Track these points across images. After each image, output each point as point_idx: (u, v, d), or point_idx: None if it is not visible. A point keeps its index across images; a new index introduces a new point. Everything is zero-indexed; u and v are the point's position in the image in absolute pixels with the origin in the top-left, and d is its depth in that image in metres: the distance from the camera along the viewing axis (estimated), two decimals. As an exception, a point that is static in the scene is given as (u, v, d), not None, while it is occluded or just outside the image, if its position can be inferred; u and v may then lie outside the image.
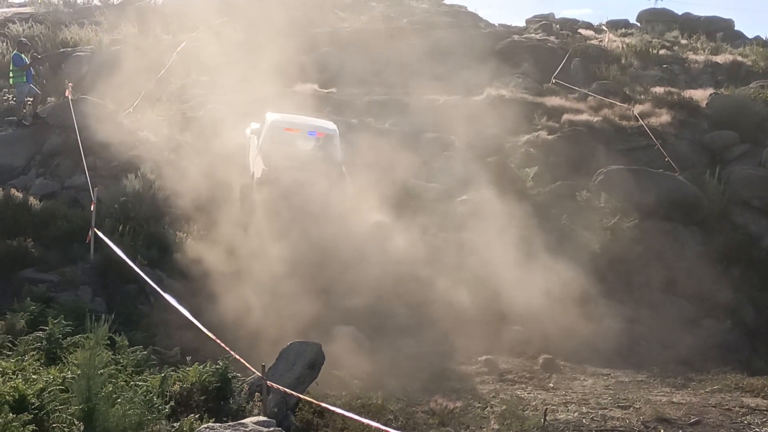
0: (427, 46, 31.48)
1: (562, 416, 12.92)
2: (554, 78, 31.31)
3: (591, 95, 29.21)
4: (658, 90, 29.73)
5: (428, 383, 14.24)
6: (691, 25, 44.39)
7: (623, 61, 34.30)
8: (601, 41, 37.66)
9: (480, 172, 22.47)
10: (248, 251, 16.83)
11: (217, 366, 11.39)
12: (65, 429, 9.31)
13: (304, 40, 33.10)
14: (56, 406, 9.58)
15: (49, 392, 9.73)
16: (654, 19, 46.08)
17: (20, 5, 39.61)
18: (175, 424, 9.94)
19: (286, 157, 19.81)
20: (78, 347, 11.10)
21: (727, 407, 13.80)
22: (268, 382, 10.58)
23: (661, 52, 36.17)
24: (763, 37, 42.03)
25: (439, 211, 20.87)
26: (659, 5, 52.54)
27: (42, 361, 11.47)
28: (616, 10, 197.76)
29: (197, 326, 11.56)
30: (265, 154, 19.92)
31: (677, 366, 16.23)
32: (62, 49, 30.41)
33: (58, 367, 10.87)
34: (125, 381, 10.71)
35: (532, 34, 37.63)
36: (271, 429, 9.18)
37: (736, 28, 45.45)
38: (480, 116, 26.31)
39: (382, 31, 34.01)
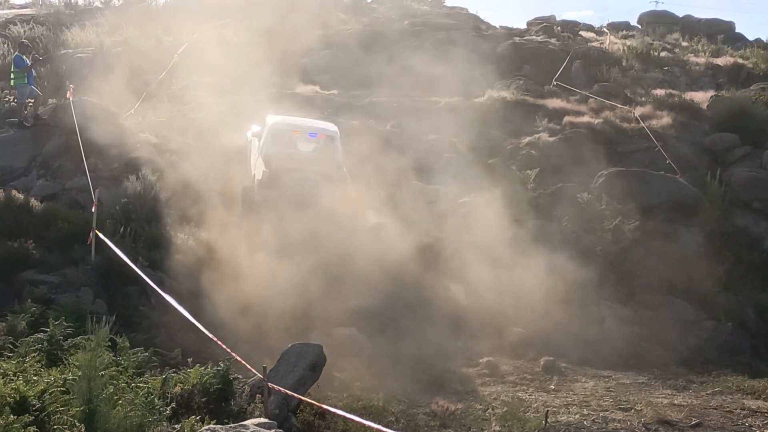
0: (429, 48, 31.45)
1: (563, 418, 12.93)
2: (555, 80, 31.31)
3: (592, 97, 29.22)
4: (659, 92, 29.74)
5: (429, 385, 14.25)
6: (692, 27, 44.40)
7: (624, 64, 34.29)
8: (602, 43, 37.64)
9: (481, 173, 22.48)
10: (249, 253, 16.82)
11: (219, 368, 11.39)
12: (66, 431, 9.30)
13: (305, 42, 33.11)
14: (57, 407, 9.57)
15: (50, 394, 9.73)
16: (655, 21, 46.12)
17: (21, 7, 39.63)
18: (176, 426, 9.94)
19: (287, 158, 19.85)
20: (79, 349, 11.10)
21: (728, 409, 13.82)
22: (269, 383, 10.57)
23: (662, 54, 36.17)
24: (764, 40, 42.04)
25: (440, 212, 20.86)
26: (660, 7, 52.60)
27: (43, 362, 11.46)
28: (617, 13, 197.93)
29: (198, 328, 11.55)
30: (266, 155, 19.95)
31: (678, 368, 16.24)
32: (63, 51, 30.38)
33: (59, 368, 10.86)
34: (126, 383, 10.71)
35: (534, 36, 37.62)
36: (273, 431, 9.18)
37: (737, 30, 45.47)
38: (481, 118, 26.33)
39: (383, 33, 34.01)
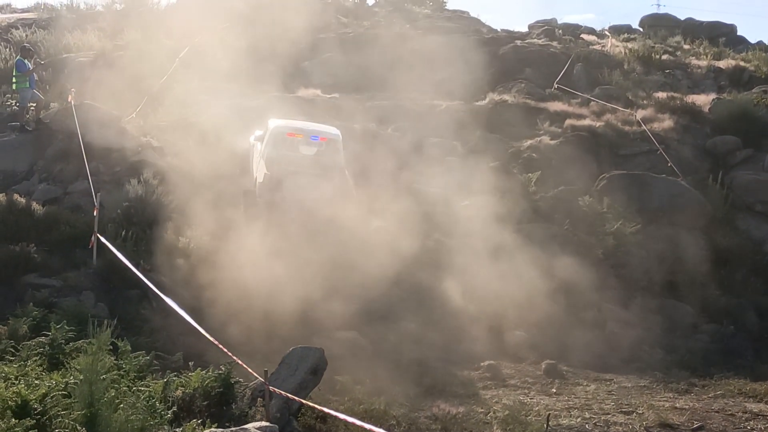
0: (430, 52, 31.45)
1: (564, 422, 12.93)
2: (557, 83, 31.32)
3: (593, 100, 29.22)
4: (661, 95, 29.73)
5: (431, 388, 14.25)
6: (693, 30, 44.38)
7: (626, 66, 34.28)
8: (603, 46, 37.65)
9: (482, 177, 22.46)
10: (251, 256, 16.82)
11: (220, 371, 11.41)
12: (67, 434, 9.32)
13: (306, 46, 33.14)
14: (59, 411, 9.59)
15: (52, 397, 9.74)
16: (656, 24, 46.10)
17: (23, 11, 39.67)
18: (177, 430, 9.96)
19: (289, 161, 19.89)
20: (80, 352, 11.13)
21: (730, 412, 13.82)
22: (271, 387, 10.59)
23: (664, 57, 36.16)
24: (766, 42, 42.12)
25: (441, 215, 20.86)
26: (662, 10, 52.57)
27: (44, 366, 11.49)
28: (619, 15, 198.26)
29: (200, 331, 11.56)
30: (267, 159, 20.00)
31: (680, 371, 16.23)
32: (65, 55, 30.40)
33: (60, 372, 10.89)
34: (128, 386, 10.73)
35: (535, 40, 37.62)
36: (274, 434, 9.19)
37: (738, 33, 45.47)
38: (483, 121, 26.35)
39: (384, 36, 34.02)
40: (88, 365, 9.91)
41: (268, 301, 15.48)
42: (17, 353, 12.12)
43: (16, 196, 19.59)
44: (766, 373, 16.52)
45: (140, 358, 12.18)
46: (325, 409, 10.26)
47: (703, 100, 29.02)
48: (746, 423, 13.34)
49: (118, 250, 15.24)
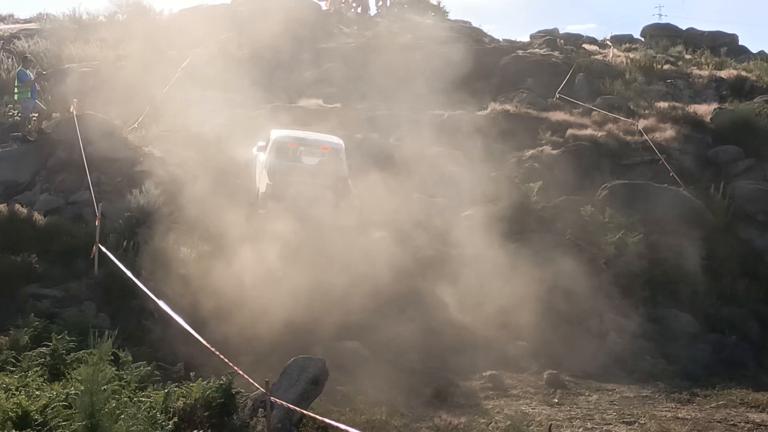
0: (432, 62, 31.48)
1: (566, 432, 12.92)
2: (558, 93, 31.29)
3: (595, 110, 29.19)
4: (663, 105, 29.69)
5: (433, 398, 14.26)
6: (695, 40, 44.34)
7: (627, 76, 34.24)
8: (605, 56, 37.62)
9: (484, 186, 22.47)
10: (253, 267, 16.81)
11: (221, 382, 11.41)
12: (68, 445, 9.31)
13: (308, 56, 33.19)
14: (59, 422, 9.60)
15: (53, 408, 9.75)
16: (658, 34, 46.02)
17: (26, 21, 39.69)
18: (178, 440, 9.95)
19: (291, 171, 19.90)
20: (82, 363, 11.13)
21: (732, 423, 13.79)
22: (272, 397, 10.58)
23: (665, 67, 36.12)
24: (767, 52, 42.02)
25: (443, 225, 20.85)
26: (663, 20, 52.53)
27: (45, 376, 11.50)
28: (620, 25, 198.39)
29: (201, 342, 11.56)
30: (270, 169, 20.01)
31: (682, 381, 16.19)
32: (67, 65, 30.42)
33: (61, 382, 10.89)
34: (129, 397, 10.73)
35: (537, 50, 37.59)
36: (275, 445, 9.18)
37: (740, 43, 45.36)
38: (484, 131, 26.33)
39: (386, 46, 34.03)
40: (89, 376, 9.90)
41: (269, 312, 15.48)
42: (18, 364, 12.13)
43: (17, 206, 19.61)
44: (768, 383, 16.49)
45: (141, 368, 12.19)
46: (327, 420, 10.25)
47: (704, 109, 28.98)
48: (748, 433, 13.34)
49: (120, 260, 15.25)
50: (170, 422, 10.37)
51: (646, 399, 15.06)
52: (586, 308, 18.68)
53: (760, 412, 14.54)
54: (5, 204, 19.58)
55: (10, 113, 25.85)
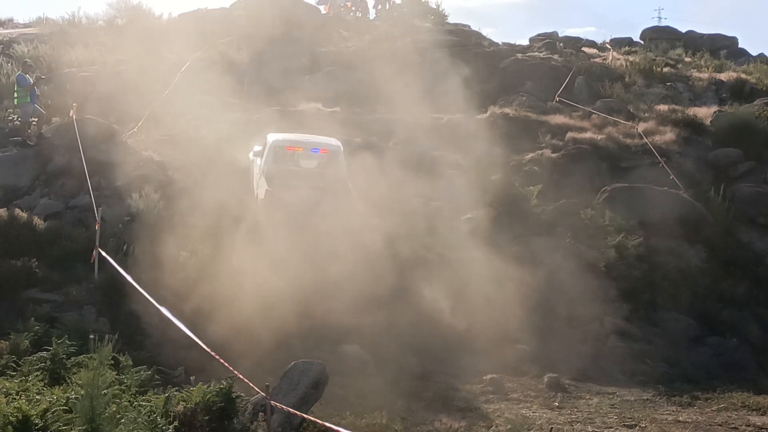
0: (431, 65, 31.53)
1: (567, 435, 12.91)
2: (558, 96, 31.32)
3: (595, 113, 29.21)
4: (662, 108, 29.72)
5: (433, 402, 14.23)
6: (694, 42, 44.42)
7: (627, 79, 34.30)
8: (604, 59, 37.68)
9: (484, 190, 22.46)
10: (253, 270, 16.81)
11: (221, 386, 11.40)
12: (69, 450, 9.30)
13: (308, 60, 33.21)
14: (60, 426, 9.59)
15: (53, 413, 9.74)
16: (657, 36, 46.10)
17: (25, 26, 39.74)
18: (178, 445, 9.94)
19: (290, 176, 19.79)
20: (82, 367, 11.12)
21: (733, 426, 13.78)
22: (272, 401, 10.56)
23: (665, 69, 36.17)
24: (767, 55, 42.06)
25: (443, 229, 20.83)
26: (663, 23, 52.59)
27: (46, 381, 11.49)
28: (620, 28, 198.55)
29: (201, 346, 11.55)
30: (268, 174, 19.87)
31: (683, 384, 16.17)
32: (67, 70, 30.45)
33: (62, 387, 10.89)
34: (129, 401, 10.72)
35: (536, 53, 37.64)
36: (275, 449, 9.17)
37: (739, 45, 45.47)
38: (484, 134, 26.33)
39: (385, 50, 34.06)
40: (90, 380, 9.90)
41: (269, 315, 15.46)
42: (18, 368, 12.13)
43: (17, 210, 19.62)
44: (769, 386, 16.48)
45: (141, 372, 12.19)
46: (327, 424, 10.23)
47: (704, 112, 29.01)
48: (749, 436, 13.33)
49: (120, 264, 15.25)
50: (171, 426, 10.36)
51: (647, 402, 15.05)
52: (587, 312, 18.68)
53: (761, 415, 14.53)
54: (5, 208, 19.59)
55: (10, 118, 25.87)
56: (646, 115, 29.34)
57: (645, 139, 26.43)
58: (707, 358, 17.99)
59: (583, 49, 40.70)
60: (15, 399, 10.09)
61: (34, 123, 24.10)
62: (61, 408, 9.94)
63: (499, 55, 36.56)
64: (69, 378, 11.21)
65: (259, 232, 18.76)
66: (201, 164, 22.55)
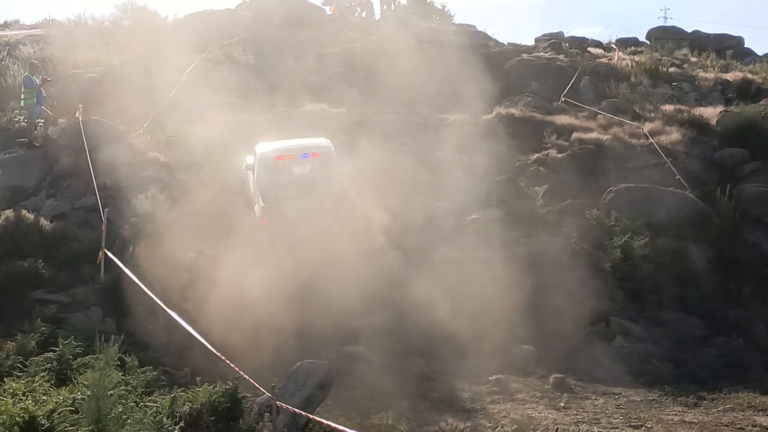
0: (436, 66, 31.50)
1: (573, 436, 12.90)
2: (564, 96, 31.25)
3: (601, 113, 29.15)
4: (668, 108, 29.66)
5: (438, 403, 14.23)
6: (700, 42, 44.30)
7: (633, 79, 34.21)
8: (610, 59, 37.59)
9: (490, 190, 22.45)
10: (258, 272, 16.83)
11: (227, 386, 11.41)
12: (75, 450, 9.32)
13: (313, 60, 33.19)
14: (66, 427, 9.60)
15: (59, 413, 9.75)
16: (663, 36, 45.98)
17: (31, 27, 39.78)
18: (184, 445, 9.95)
19: (284, 186, 19.64)
20: (88, 368, 11.14)
21: (739, 426, 13.74)
22: (278, 402, 10.57)
23: (671, 69, 36.09)
24: (773, 54, 41.97)
25: (448, 230, 20.83)
26: (668, 23, 52.49)
27: (52, 382, 11.51)
28: (626, 28, 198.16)
29: (207, 346, 11.56)
30: (262, 189, 19.72)
31: (689, 385, 16.12)
32: (73, 71, 30.49)
33: (68, 388, 10.90)
34: (135, 402, 10.74)
35: (542, 53, 37.57)
36: (281, 450, 9.18)
37: (746, 45, 45.32)
38: (489, 135, 26.31)
39: (391, 50, 34.03)
40: (96, 381, 9.92)
41: (274, 316, 15.50)
42: (25, 369, 12.14)
43: (24, 211, 19.68)
44: (775, 386, 16.44)
45: (147, 373, 12.20)
46: (333, 424, 10.23)
47: (710, 112, 28.94)
48: (756, 436, 13.30)
49: (126, 265, 15.28)
50: (176, 427, 10.38)
51: (653, 403, 15.01)
52: (592, 312, 18.66)
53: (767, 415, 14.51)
54: (12, 209, 19.65)
55: (16, 119, 25.94)
56: (652, 115, 29.27)
57: (651, 140, 26.39)
58: (713, 358, 17.95)
59: (588, 49, 40.60)
60: (21, 399, 10.11)
61: (40, 124, 24.16)
62: (68, 408, 9.96)
63: (504, 55, 36.52)
64: (75, 379, 11.23)
65: (263, 236, 18.78)
66: (207, 165, 22.58)
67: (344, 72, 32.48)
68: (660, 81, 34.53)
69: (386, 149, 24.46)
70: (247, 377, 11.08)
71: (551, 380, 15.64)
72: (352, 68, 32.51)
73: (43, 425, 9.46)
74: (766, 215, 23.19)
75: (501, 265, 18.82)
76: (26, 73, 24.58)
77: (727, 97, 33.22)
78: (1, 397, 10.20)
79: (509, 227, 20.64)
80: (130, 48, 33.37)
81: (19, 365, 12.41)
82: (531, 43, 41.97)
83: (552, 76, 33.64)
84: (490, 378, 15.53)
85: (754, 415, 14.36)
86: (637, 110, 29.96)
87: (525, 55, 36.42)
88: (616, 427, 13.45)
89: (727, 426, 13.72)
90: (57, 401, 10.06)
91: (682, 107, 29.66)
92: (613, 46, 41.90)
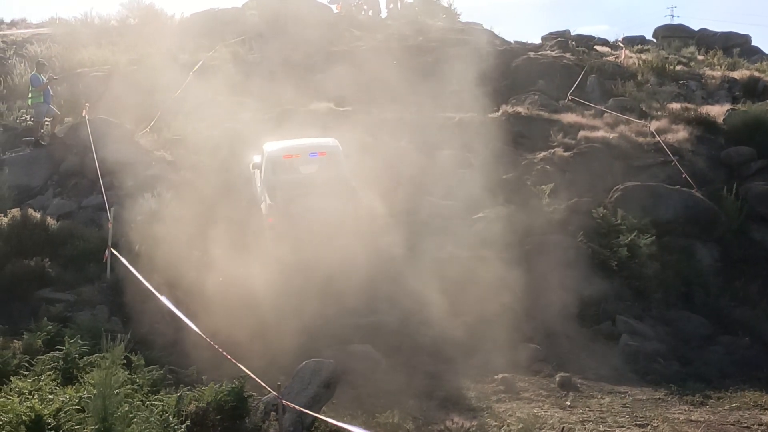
0: (443, 64, 31.50)
1: (579, 435, 12.90)
2: (570, 95, 31.23)
3: (607, 112, 29.12)
4: (675, 106, 29.59)
5: (444, 401, 14.23)
6: (707, 40, 44.24)
7: (639, 78, 34.15)
8: (617, 57, 37.53)
9: (496, 189, 22.45)
10: (264, 271, 16.84)
11: (233, 385, 11.43)
12: (81, 449, 9.34)
13: (319, 59, 33.21)
14: (72, 426, 9.63)
15: (66, 412, 9.78)
16: (670, 35, 45.93)
17: (38, 26, 39.88)
18: (190, 444, 9.97)
19: (291, 186, 19.63)
20: (94, 367, 11.17)
21: (745, 425, 13.73)
22: (284, 401, 10.58)
23: (678, 68, 36.01)
24: (780, 52, 41.95)
25: (455, 228, 20.83)
26: (675, 21, 52.43)
27: (59, 380, 11.54)
28: (632, 27, 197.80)
29: (213, 345, 11.58)
30: (269, 188, 19.74)
31: (695, 383, 16.10)
32: (80, 70, 30.55)
33: (74, 386, 10.93)
34: (141, 400, 10.77)
35: (548, 51, 37.51)
36: (287, 449, 9.19)
37: (753, 43, 45.28)
38: (496, 133, 26.30)
39: (397, 49, 34.04)
40: (102, 380, 9.94)
41: (280, 315, 15.51)
42: (31, 368, 12.18)
43: (30, 210, 19.71)
44: (781, 385, 16.42)
45: (154, 372, 12.24)
46: (339, 423, 10.24)
47: (717, 110, 28.88)
48: (762, 435, 13.28)
49: (132, 264, 15.30)
50: (183, 426, 10.40)
51: (659, 401, 15.00)
52: (598, 311, 18.67)
53: (774, 414, 14.50)
54: (18, 208, 19.68)
55: (23, 118, 26.00)
56: (659, 113, 29.22)
57: (657, 138, 26.35)
58: (719, 356, 17.91)
59: (595, 47, 40.53)
60: (28, 398, 10.14)
61: (47, 123, 24.21)
62: (74, 407, 9.99)
63: (511, 53, 36.47)
64: (81, 377, 11.25)
65: (269, 236, 18.80)
66: (213, 164, 22.61)
67: (350, 71, 32.46)
68: (667, 79, 34.46)
69: (393, 148, 24.47)
70: (253, 376, 11.09)
71: (557, 379, 15.64)
72: (359, 67, 32.49)
73: (49, 424, 9.48)
74: (773, 213, 23.14)
75: (507, 263, 18.82)
76: (34, 72, 24.63)
77: (734, 96, 33.16)
78: (8, 396, 10.24)
79: (515, 226, 20.62)
80: (136, 46, 33.48)
81: (25, 364, 12.45)
82: (537, 41, 41.88)
83: (558, 75, 33.60)
84: (496, 377, 15.53)
85: (761, 414, 14.35)
86: (643, 108, 29.91)
87: (531, 54, 36.37)
88: (622, 426, 13.45)
89: (733, 425, 13.72)
90: (63, 400, 10.09)
91: (689, 105, 29.60)
92: (620, 44, 41.83)
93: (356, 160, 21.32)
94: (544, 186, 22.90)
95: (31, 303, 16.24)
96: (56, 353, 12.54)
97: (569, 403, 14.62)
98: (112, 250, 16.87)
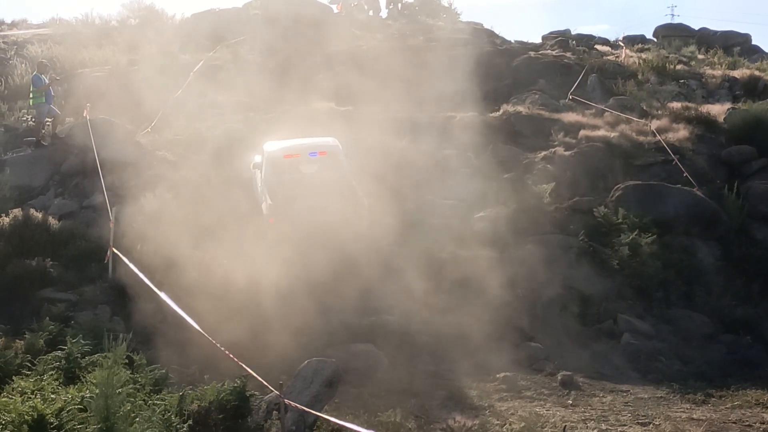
0: (444, 64, 31.48)
1: (581, 433, 12.90)
2: (571, 94, 31.23)
3: (608, 111, 29.11)
4: (676, 105, 29.59)
5: (446, 400, 14.24)
6: (707, 39, 44.29)
7: (640, 77, 34.16)
8: (617, 57, 37.54)
9: (497, 188, 22.45)
10: (266, 270, 16.84)
11: (235, 384, 11.43)
12: (84, 448, 9.34)
13: (320, 59, 33.21)
14: (75, 425, 9.63)
15: (68, 412, 9.78)
16: (670, 34, 45.98)
17: (39, 26, 39.91)
18: (192, 443, 9.97)
19: (292, 186, 19.62)
20: (96, 366, 11.17)
21: (747, 423, 13.74)
22: (286, 400, 10.59)
23: (678, 67, 36.02)
24: (781, 51, 41.98)
25: (456, 227, 20.83)
26: (676, 20, 52.43)
27: (61, 380, 11.54)
28: (633, 26, 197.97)
29: (215, 345, 11.59)
30: (270, 188, 19.73)
31: (697, 382, 16.10)
32: (81, 70, 30.59)
33: (76, 386, 10.93)
34: (143, 400, 10.77)
35: (549, 51, 37.55)
36: (289, 447, 9.20)
37: (753, 42, 45.37)
38: (497, 133, 26.31)
39: (398, 49, 34.04)
40: (104, 379, 9.94)
41: (282, 315, 15.51)
42: (34, 367, 12.18)
43: (32, 210, 19.71)
44: (783, 384, 16.41)
45: (156, 371, 12.24)
46: (341, 422, 10.25)
47: (717, 109, 28.88)
48: (764, 434, 13.28)
49: (134, 264, 15.29)
50: (185, 425, 10.41)
51: (661, 400, 15.00)
52: (600, 309, 18.67)
53: (776, 412, 14.49)
54: (20, 208, 19.69)
55: (25, 118, 26.01)
56: (660, 112, 29.22)
57: (658, 137, 26.34)
58: (721, 355, 17.91)
59: (595, 46, 40.56)
60: (30, 398, 10.14)
61: (48, 123, 24.22)
62: (76, 407, 9.99)
63: (511, 53, 36.51)
64: (84, 377, 11.26)
65: (271, 234, 18.79)
66: (214, 164, 22.61)
67: (351, 70, 32.46)
68: (667, 78, 34.47)
69: (393, 147, 24.47)
70: (255, 375, 11.10)
71: (559, 378, 15.65)
72: (359, 67, 32.49)
73: (51, 423, 9.49)
74: (774, 212, 23.13)
75: (508, 262, 18.83)
76: (35, 72, 24.64)
77: (734, 94, 33.20)
78: (10, 396, 10.25)
79: (516, 225, 20.62)
80: (137, 47, 33.46)
81: (27, 364, 12.46)
82: (538, 40, 41.96)
83: (559, 74, 33.62)
84: (497, 375, 15.54)
85: (762, 413, 14.35)
86: (644, 107, 29.91)
87: (532, 53, 36.40)
88: (624, 425, 13.45)
89: (734, 423, 13.72)
90: (65, 399, 10.09)
91: (690, 104, 29.60)
92: (621, 43, 41.87)
93: (356, 160, 21.31)
94: (545, 185, 22.91)
95: (33, 303, 16.25)
96: (58, 353, 12.54)
97: (571, 402, 14.63)
98: (114, 249, 16.87)
